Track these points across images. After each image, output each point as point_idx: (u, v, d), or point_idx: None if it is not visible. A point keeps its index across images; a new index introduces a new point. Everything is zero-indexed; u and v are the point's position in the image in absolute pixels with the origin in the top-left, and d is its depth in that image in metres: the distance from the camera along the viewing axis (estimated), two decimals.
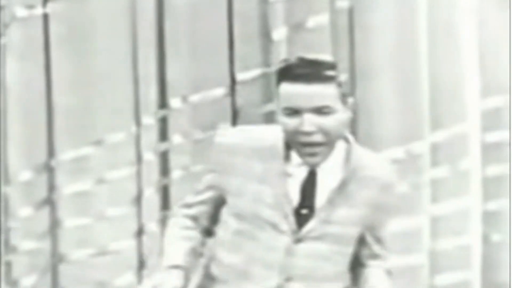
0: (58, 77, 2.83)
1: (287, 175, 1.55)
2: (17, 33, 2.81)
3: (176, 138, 2.85)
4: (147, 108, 2.87)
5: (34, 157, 2.87)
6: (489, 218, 2.89)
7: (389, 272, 1.73)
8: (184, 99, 2.86)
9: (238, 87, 2.82)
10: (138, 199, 2.90)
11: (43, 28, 2.82)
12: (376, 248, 1.69)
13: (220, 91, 2.82)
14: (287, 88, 1.52)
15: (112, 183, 2.88)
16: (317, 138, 1.51)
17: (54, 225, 2.89)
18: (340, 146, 1.59)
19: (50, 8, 2.81)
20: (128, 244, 2.82)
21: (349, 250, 1.63)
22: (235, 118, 2.82)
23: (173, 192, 2.85)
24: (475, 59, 2.85)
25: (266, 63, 2.80)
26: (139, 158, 2.89)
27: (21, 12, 2.79)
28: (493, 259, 2.90)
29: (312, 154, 1.53)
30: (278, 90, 1.54)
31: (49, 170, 2.88)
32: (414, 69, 2.82)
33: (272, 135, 1.59)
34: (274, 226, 1.55)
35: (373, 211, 1.62)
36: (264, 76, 2.81)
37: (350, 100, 1.57)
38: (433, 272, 2.88)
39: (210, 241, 1.69)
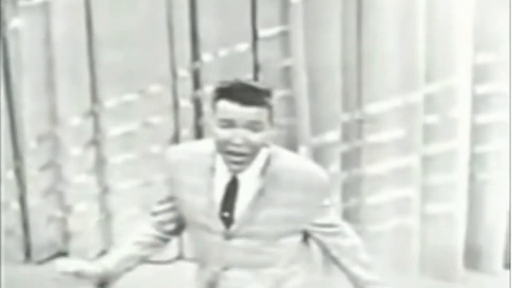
0: (100, 33, 3.03)
1: (213, 186, 1.72)
2: None
3: (207, 88, 3.06)
4: (182, 61, 3.10)
5: (81, 104, 3.11)
6: (476, 160, 3.11)
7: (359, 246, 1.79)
8: (214, 53, 3.09)
9: (260, 43, 3.02)
10: (175, 139, 3.17)
11: None
12: (330, 230, 1.76)
13: (244, 47, 3.01)
14: (225, 104, 1.65)
15: (153, 126, 3.15)
16: (244, 149, 1.66)
17: (100, 161, 3.19)
18: (262, 153, 1.70)
19: None
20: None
21: (281, 242, 1.74)
22: (256, 71, 3.04)
23: (206, 133, 3.12)
24: (469, 18, 2.99)
25: (285, 21, 2.99)
26: (176, 105, 3.16)
27: None
28: (477, 195, 3.13)
29: (237, 163, 1.68)
30: (216, 104, 1.67)
31: (94, 115, 3.15)
32: (412, 28, 2.99)
33: (204, 153, 1.74)
34: (207, 228, 1.74)
35: (300, 210, 1.71)
36: (283, 33, 3.01)
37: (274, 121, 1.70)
38: (423, 203, 3.13)
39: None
